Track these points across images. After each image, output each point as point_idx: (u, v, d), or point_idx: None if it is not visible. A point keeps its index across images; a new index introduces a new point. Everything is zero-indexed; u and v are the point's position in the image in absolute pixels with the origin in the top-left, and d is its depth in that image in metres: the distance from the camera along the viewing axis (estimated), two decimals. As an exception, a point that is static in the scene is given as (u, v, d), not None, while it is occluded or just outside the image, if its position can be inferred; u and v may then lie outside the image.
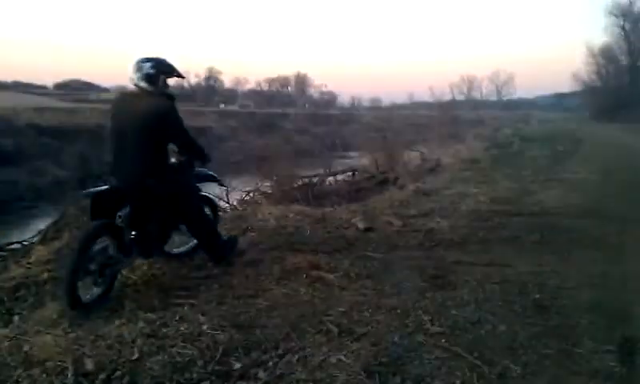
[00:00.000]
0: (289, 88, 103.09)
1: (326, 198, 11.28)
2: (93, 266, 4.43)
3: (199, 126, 37.08)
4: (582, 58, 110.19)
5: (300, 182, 13.24)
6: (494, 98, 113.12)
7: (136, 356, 3.51)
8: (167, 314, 4.18)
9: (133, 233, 4.75)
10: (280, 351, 3.64)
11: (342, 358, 3.54)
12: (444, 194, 9.82)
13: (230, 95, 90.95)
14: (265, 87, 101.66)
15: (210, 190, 6.76)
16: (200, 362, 3.44)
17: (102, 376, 3.28)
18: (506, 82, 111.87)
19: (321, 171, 15.32)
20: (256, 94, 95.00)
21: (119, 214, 4.61)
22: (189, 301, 4.48)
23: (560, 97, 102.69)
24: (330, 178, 14.71)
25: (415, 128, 39.04)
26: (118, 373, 3.32)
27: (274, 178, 13.30)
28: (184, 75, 5.46)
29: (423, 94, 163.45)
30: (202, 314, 4.18)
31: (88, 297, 4.41)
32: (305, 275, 5.08)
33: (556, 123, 53.63)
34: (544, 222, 7.49)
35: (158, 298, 4.55)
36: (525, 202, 9.31)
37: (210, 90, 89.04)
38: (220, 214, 6.48)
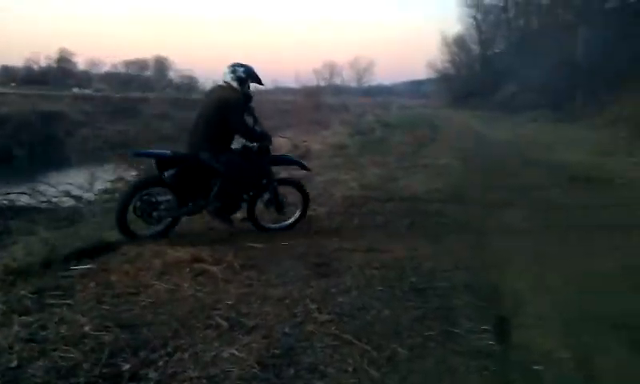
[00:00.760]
0: (148, 72, 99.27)
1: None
2: (144, 206, 5.84)
3: (51, 111, 34.88)
4: (437, 46, 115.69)
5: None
6: (354, 84, 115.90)
7: (15, 363, 3.26)
8: (44, 316, 3.92)
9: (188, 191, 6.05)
10: (169, 349, 3.53)
11: (235, 352, 3.51)
12: (317, 181, 9.96)
13: (85, 78, 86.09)
14: (122, 70, 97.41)
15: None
16: (86, 366, 3.25)
17: (-22, 389, 3.03)
18: (366, 68, 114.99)
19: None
20: (112, 78, 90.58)
21: (165, 173, 5.90)
22: (65, 301, 4.23)
23: (417, 84, 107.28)
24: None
25: (281, 114, 39.15)
26: (-4, 383, 3.08)
27: (141, 167, 12.80)
28: (264, 84, 6.73)
29: (287, 80, 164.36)
30: (82, 315, 3.96)
31: (144, 232, 5.92)
32: (188, 269, 4.98)
33: (414, 110, 56.07)
34: (413, 208, 7.86)
35: (30, 299, 4.25)
36: (393, 187, 9.68)
37: (63, 72, 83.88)
38: (310, 199, 7.02)
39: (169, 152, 6.07)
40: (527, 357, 3.56)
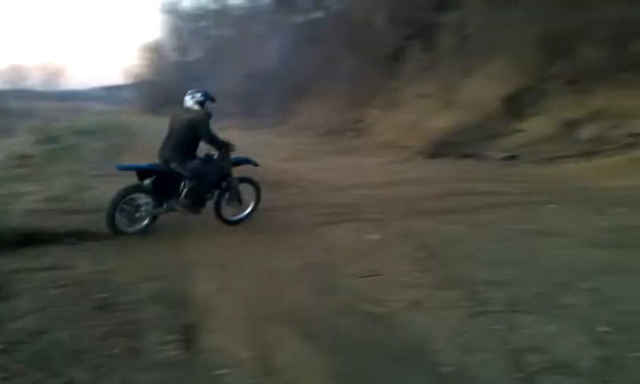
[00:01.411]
0: None
1: None
2: (128, 209, 6.88)
3: None
4: (136, 51, 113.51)
5: None
6: (44, 88, 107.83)
7: None
8: None
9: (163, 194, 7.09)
10: None
11: None
12: (-6, 196, 8.97)
13: None
14: None
15: None
16: None
17: None
18: (57, 72, 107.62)
19: None
20: None
21: (145, 181, 7.01)
22: None
23: (116, 89, 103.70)
24: None
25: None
26: None
27: None
28: (216, 100, 7.60)
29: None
30: None
31: (129, 229, 6.92)
32: None
33: (111, 116, 54.11)
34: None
35: None
36: (84, 198, 9.08)
37: None
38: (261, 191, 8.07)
39: (147, 165, 7.22)
40: (212, 361, 3.63)
